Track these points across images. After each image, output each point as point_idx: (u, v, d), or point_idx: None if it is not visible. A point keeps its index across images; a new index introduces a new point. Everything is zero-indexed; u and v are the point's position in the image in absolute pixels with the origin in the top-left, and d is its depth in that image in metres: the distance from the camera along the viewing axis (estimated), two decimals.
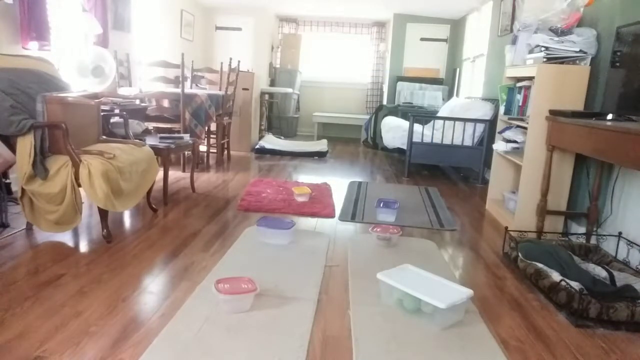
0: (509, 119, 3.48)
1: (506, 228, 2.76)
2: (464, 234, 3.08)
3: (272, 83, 7.97)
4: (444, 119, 4.94)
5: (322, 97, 8.55)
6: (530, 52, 3.12)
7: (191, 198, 3.56)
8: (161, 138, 3.48)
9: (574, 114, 2.63)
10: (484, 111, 4.76)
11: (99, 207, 2.47)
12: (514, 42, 3.38)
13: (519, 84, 3.38)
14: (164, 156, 3.27)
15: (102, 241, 2.51)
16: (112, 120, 3.38)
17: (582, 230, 2.91)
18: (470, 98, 5.49)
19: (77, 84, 3.51)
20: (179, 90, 4.38)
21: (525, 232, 2.80)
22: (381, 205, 3.21)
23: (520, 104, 3.37)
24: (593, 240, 2.77)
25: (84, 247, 2.49)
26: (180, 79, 4.45)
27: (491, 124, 4.58)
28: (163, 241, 2.60)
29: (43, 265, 2.17)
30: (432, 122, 5.63)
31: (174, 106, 4.41)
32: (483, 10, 5.92)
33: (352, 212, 3.36)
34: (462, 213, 3.60)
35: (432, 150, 4.87)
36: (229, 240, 2.65)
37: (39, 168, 2.40)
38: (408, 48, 7.43)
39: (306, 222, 3.07)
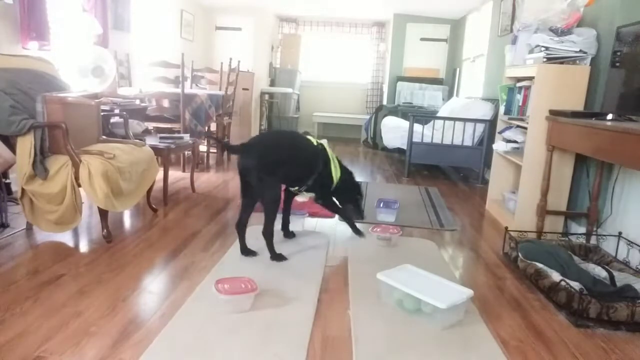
0: (509, 119, 3.48)
1: (506, 228, 2.76)
2: (464, 234, 3.08)
3: (272, 83, 7.96)
4: (444, 119, 4.94)
5: (322, 97, 8.54)
6: (530, 52, 3.12)
7: (191, 198, 3.56)
8: (161, 138, 3.48)
9: (574, 114, 2.63)
10: (484, 111, 4.76)
11: (99, 207, 2.47)
12: (514, 42, 3.38)
13: (519, 84, 3.38)
14: (164, 156, 3.27)
15: (102, 241, 2.51)
16: (112, 120, 3.38)
17: (582, 230, 2.91)
18: (470, 98, 5.49)
19: (77, 84, 3.51)
20: (179, 90, 4.38)
21: (525, 232, 2.80)
22: (381, 205, 3.22)
23: (520, 104, 3.37)
24: (593, 240, 2.77)
25: (84, 247, 2.49)
26: (180, 79, 4.45)
27: (491, 124, 4.58)
28: (163, 241, 2.60)
29: (43, 265, 2.17)
30: (432, 122, 5.63)
31: (174, 106, 4.41)
32: (483, 10, 5.92)
33: None
34: (462, 213, 3.60)
35: (432, 150, 4.87)
36: (229, 240, 2.65)
37: (39, 168, 2.40)
38: (408, 48, 7.43)
39: (306, 222, 3.06)
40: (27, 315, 1.72)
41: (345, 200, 2.74)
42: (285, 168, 2.36)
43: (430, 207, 3.65)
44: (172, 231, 2.77)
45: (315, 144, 2.54)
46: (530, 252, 2.39)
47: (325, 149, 2.58)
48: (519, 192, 3.11)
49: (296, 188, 2.57)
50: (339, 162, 2.67)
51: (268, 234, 2.37)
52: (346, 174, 2.70)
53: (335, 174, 2.59)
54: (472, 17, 6.50)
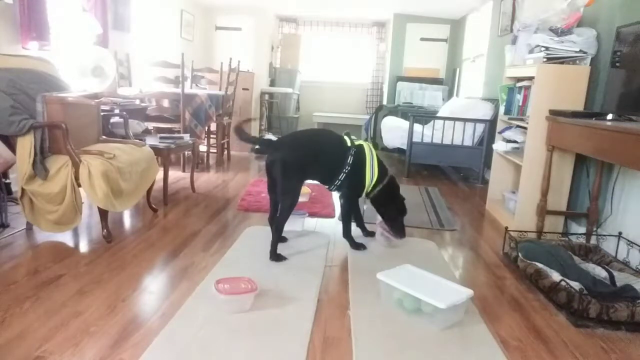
0: (509, 119, 3.48)
1: (506, 228, 2.76)
2: (464, 234, 3.08)
3: (272, 83, 7.96)
4: (444, 119, 4.94)
5: (322, 97, 8.54)
6: (530, 52, 3.12)
7: (191, 198, 3.56)
8: (161, 138, 3.48)
9: (574, 114, 2.63)
10: (484, 111, 4.76)
11: (99, 207, 2.47)
12: (514, 42, 3.38)
13: (519, 84, 3.38)
14: (164, 156, 3.27)
15: (102, 241, 2.51)
16: (112, 120, 3.38)
17: (582, 230, 2.91)
18: (470, 98, 5.49)
19: (77, 84, 3.51)
20: (179, 90, 4.38)
21: (525, 232, 2.80)
22: None
23: (520, 104, 3.37)
24: (593, 240, 2.77)
25: (84, 247, 2.49)
26: (180, 79, 4.45)
27: (491, 124, 4.58)
28: (163, 241, 2.60)
29: (43, 265, 2.17)
30: (432, 122, 5.63)
31: (174, 106, 4.41)
32: (483, 10, 5.92)
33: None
34: (462, 213, 3.60)
35: (432, 150, 4.87)
36: (229, 240, 2.65)
37: (39, 168, 2.40)
38: (408, 48, 7.42)
39: (306, 222, 3.06)
40: (27, 315, 1.72)
41: (383, 213, 2.65)
42: (310, 164, 2.41)
43: (430, 207, 3.65)
44: (172, 231, 2.77)
45: (348, 144, 2.51)
46: (530, 252, 2.39)
47: (362, 150, 2.52)
48: (519, 192, 3.11)
49: (327, 187, 2.58)
50: (383, 171, 2.58)
51: (277, 230, 2.40)
52: (391, 187, 2.61)
53: (369, 178, 2.53)
54: (472, 17, 6.50)
